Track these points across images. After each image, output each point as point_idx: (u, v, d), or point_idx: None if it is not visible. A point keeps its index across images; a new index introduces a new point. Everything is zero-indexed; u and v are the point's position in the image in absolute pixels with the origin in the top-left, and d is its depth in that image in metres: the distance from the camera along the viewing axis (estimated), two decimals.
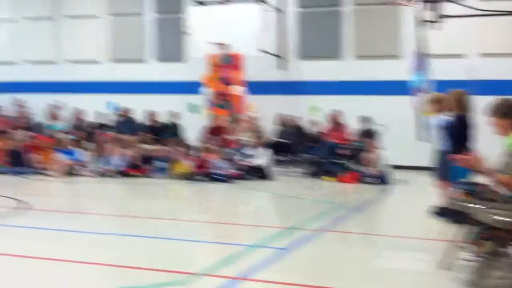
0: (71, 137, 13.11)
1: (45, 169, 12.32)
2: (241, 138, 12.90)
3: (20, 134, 13.70)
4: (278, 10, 14.87)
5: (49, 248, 5.15)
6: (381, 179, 10.93)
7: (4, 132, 13.96)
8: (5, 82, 17.11)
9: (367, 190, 10.08)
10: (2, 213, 7.03)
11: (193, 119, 14.56)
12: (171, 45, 15.97)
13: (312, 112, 14.20)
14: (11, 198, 8.46)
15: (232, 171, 11.53)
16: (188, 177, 11.48)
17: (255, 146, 12.30)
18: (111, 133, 13.87)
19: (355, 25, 14.73)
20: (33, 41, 17.22)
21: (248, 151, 12.23)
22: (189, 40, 14.56)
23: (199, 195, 10.08)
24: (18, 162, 12.50)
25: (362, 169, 11.31)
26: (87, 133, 14.17)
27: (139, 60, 16.43)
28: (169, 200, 9.53)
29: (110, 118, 15.23)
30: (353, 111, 13.03)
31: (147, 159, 12.35)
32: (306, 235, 5.89)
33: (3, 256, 4.72)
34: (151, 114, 14.56)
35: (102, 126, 14.99)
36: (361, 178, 11.10)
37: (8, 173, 12.17)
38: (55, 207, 7.85)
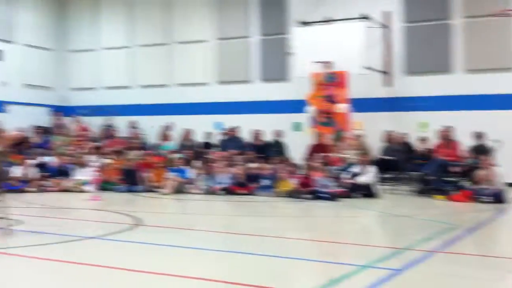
0: (181, 156, 13.58)
1: (156, 186, 12.85)
2: (346, 155, 12.70)
3: (133, 154, 14.41)
4: (383, 26, 14.61)
5: (158, 262, 5.30)
6: (496, 198, 10.28)
7: (119, 152, 14.74)
8: (121, 105, 18.16)
9: (482, 209, 9.51)
10: (116, 229, 7.36)
11: (297, 137, 14.59)
12: (275, 65, 16.20)
13: (421, 129, 13.73)
14: (125, 214, 8.88)
15: (337, 189, 11.36)
16: (293, 195, 11.47)
17: (360, 163, 12.05)
18: (218, 152, 14.22)
19: (464, 38, 14.16)
20: (146, 66, 18.18)
21: (353, 169, 12.01)
22: (293, 60, 14.67)
23: (303, 213, 10.01)
24: (131, 180, 13.14)
25: (476, 187, 10.71)
26: (195, 152, 14.63)
27: (244, 81, 16.79)
28: (274, 217, 9.53)
29: (217, 137, 15.63)
30: (464, 126, 12.45)
31: (252, 177, 12.49)
32: (419, 256, 5.62)
33: (116, 269, 4.92)
34: (256, 133, 14.77)
35: (209, 146, 15.43)
36: (474, 197, 10.50)
37: (122, 191, 12.83)
38: (165, 223, 8.12)
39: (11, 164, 12.78)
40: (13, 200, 9.89)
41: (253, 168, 12.72)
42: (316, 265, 5.45)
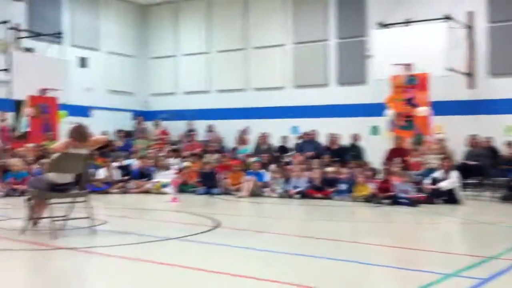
0: (257, 159, 13.65)
1: (233, 189, 12.99)
2: (426, 160, 12.32)
3: (211, 157, 14.64)
4: (467, 27, 14.07)
5: (235, 264, 5.33)
6: None
7: (197, 155, 15.03)
8: (199, 109, 18.52)
9: None
10: (195, 230, 7.48)
11: (375, 141, 14.31)
12: (353, 68, 15.99)
13: (507, 133, 13.10)
14: (203, 216, 9.02)
15: (417, 195, 11.02)
16: (370, 199, 11.25)
17: (442, 168, 11.63)
18: (295, 156, 14.19)
19: None
20: (223, 71, 18.45)
21: (435, 174, 11.61)
22: (371, 62, 14.41)
23: (381, 218, 9.77)
24: (209, 183, 13.35)
25: None
26: (271, 156, 14.67)
27: (321, 85, 16.67)
28: (350, 222, 9.37)
29: (293, 141, 15.61)
30: None
31: (329, 181, 12.36)
32: (506, 265, 5.33)
33: (194, 270, 4.98)
34: (333, 137, 14.62)
35: (285, 149, 15.43)
36: None
37: (200, 193, 13.07)
38: (242, 226, 8.17)
39: (96, 166, 13.33)
40: (97, 201, 10.30)
41: (330, 172, 12.59)
42: (394, 272, 5.28)
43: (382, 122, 14.31)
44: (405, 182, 11.25)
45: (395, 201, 10.89)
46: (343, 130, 14.80)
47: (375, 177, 12.22)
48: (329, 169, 12.74)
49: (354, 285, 4.72)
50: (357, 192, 11.70)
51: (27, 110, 14.86)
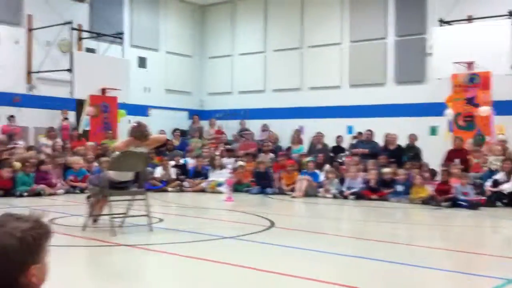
0: (312, 159, 13.57)
1: (288, 189, 12.96)
2: (487, 161, 11.92)
3: (265, 157, 14.66)
4: None
5: (289, 264, 5.31)
6: None
7: (251, 154, 15.08)
8: (254, 108, 18.59)
9: None
10: (249, 230, 7.51)
11: (434, 142, 13.97)
12: (412, 67, 15.67)
13: None
14: (257, 215, 9.04)
15: (477, 197, 10.68)
16: (428, 202, 10.98)
17: (503, 170, 11.22)
18: (352, 156, 14.03)
19: None
20: (279, 71, 18.45)
21: (496, 176, 11.22)
22: (431, 60, 14.08)
23: (439, 221, 9.52)
24: (263, 183, 13.37)
25: None
26: (326, 156, 14.55)
27: (378, 84, 16.42)
28: (406, 224, 9.18)
29: (349, 141, 15.43)
30: None
31: (386, 182, 12.15)
32: None
33: (248, 269, 5.00)
34: (390, 137, 14.35)
35: (340, 149, 15.27)
36: None
37: (254, 193, 13.11)
38: (296, 226, 8.14)
39: (153, 165, 13.59)
40: (154, 199, 10.51)
41: (386, 173, 12.37)
42: (452, 276, 5.14)
43: (441, 122, 13.95)
44: (465, 184, 10.92)
45: (454, 203, 10.59)
46: (400, 130, 14.49)
47: (433, 178, 11.92)
48: (386, 170, 12.52)
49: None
50: (414, 194, 11.44)
51: (88, 109, 15.31)
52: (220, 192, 12.96)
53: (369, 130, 14.80)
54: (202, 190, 13.60)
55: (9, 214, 1.66)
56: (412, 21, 15.79)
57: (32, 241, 1.62)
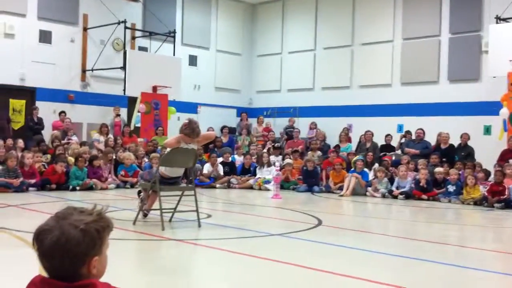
0: (361, 158, 13.42)
1: (335, 188, 12.88)
2: None
3: (313, 155, 14.59)
4: None
5: (336, 263, 5.28)
6: None
7: (299, 152, 15.05)
8: (302, 107, 18.55)
9: None
10: (296, 227, 7.51)
11: (488, 142, 13.59)
12: (466, 65, 15.30)
13: None
14: (304, 213, 9.03)
15: None
16: (481, 203, 10.70)
17: None
18: (401, 155, 13.82)
19: None
20: (328, 68, 18.34)
21: None
22: (487, 58, 13.71)
23: (492, 222, 9.25)
24: (310, 181, 13.33)
25: None
26: (376, 154, 14.37)
27: (430, 82, 16.10)
28: (457, 225, 8.96)
29: (400, 140, 15.20)
30: None
31: (437, 182, 11.91)
32: None
33: (297, 267, 5.00)
34: (443, 136, 14.04)
35: (391, 148, 15.05)
36: None
37: (301, 191, 13.09)
38: (343, 225, 8.08)
39: (201, 161, 13.75)
40: (202, 195, 10.64)
41: (437, 172, 12.12)
42: (503, 278, 4.99)
43: (496, 121, 13.56)
44: None
45: (508, 205, 10.28)
46: (452, 129, 14.17)
47: (487, 179, 11.61)
48: (438, 169, 12.26)
49: None
50: (466, 195, 11.17)
51: (139, 106, 15.62)
52: (267, 190, 13.01)
53: (421, 129, 14.52)
54: (250, 187, 13.67)
55: (73, 207, 1.73)
56: (467, 18, 15.39)
57: (95, 233, 1.68)
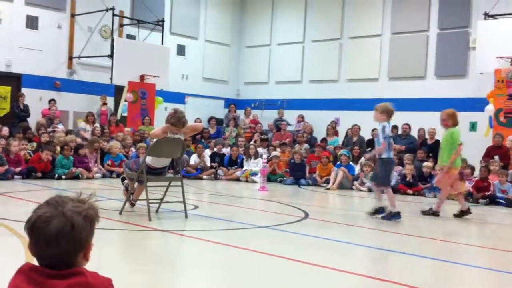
0: (347, 152, 13.47)
1: (322, 181, 12.91)
2: None
3: (300, 147, 14.61)
4: None
5: (322, 255, 5.31)
6: None
7: (286, 145, 15.06)
8: (290, 99, 18.54)
9: None
10: (282, 220, 7.53)
11: (473, 138, 13.69)
12: (453, 61, 15.37)
13: None
14: (290, 206, 9.05)
15: None
16: (466, 198, 10.77)
17: None
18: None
19: None
20: (316, 61, 18.33)
21: None
22: (474, 55, 13.78)
23: (477, 218, 9.34)
24: (297, 174, 13.35)
25: None
26: (362, 148, 14.42)
27: (417, 77, 16.16)
28: (441, 220, 9.03)
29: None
30: None
31: (423, 176, 11.99)
32: None
33: (284, 259, 5.01)
34: (429, 132, 14.13)
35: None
36: None
37: (288, 183, 13.11)
38: (330, 218, 8.11)
39: (188, 152, 13.71)
40: (188, 186, 10.62)
41: (426, 167, 12.19)
42: (484, 273, 5.04)
43: (482, 118, 13.66)
44: (504, 182, 10.70)
45: (493, 201, 10.39)
46: (439, 124, 14.21)
47: (472, 175, 11.70)
48: (426, 163, 12.34)
49: (438, 283, 4.55)
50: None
51: (126, 95, 15.52)
52: (254, 182, 13.02)
53: (407, 124, 14.59)
54: (237, 179, 13.67)
55: (61, 195, 1.73)
56: (456, 14, 15.46)
57: (94, 220, 1.72)
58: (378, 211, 8.08)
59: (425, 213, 8.63)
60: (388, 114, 8.02)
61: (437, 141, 13.88)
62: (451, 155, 8.33)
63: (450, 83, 15.45)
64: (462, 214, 8.53)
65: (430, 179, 11.91)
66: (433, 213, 8.57)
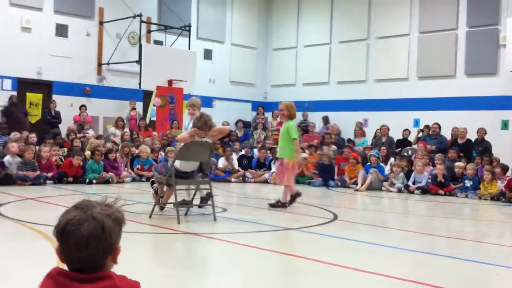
0: (376, 153, 13.35)
1: (351, 182, 12.82)
2: None
3: (328, 149, 14.54)
4: None
5: (351, 257, 5.26)
6: None
7: (314, 146, 15.00)
8: (317, 101, 18.47)
9: None
10: (311, 222, 7.49)
11: (506, 136, 13.45)
12: (483, 59, 15.12)
13: None
14: (319, 208, 9.00)
15: None
16: (498, 198, 10.59)
17: None
18: (417, 150, 13.72)
19: None
20: (344, 62, 18.23)
21: None
22: (505, 52, 13.54)
23: (509, 218, 9.17)
24: (326, 175, 13.28)
25: None
26: (391, 149, 14.28)
27: (447, 76, 15.95)
28: (474, 221, 8.89)
29: (416, 134, 15.10)
30: None
31: (453, 177, 11.81)
32: None
33: (314, 261, 4.99)
34: (460, 131, 13.92)
35: (407, 143, 14.95)
36: None
37: (316, 185, 13.05)
38: (359, 220, 8.04)
39: (217, 155, 13.76)
40: (217, 189, 10.65)
41: (458, 167, 12.00)
42: None
43: None
44: None
45: None
46: (469, 124, 14.04)
47: (504, 174, 11.49)
48: (458, 164, 12.15)
49: (473, 285, 4.46)
50: (483, 190, 11.07)
51: (155, 100, 15.66)
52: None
53: (437, 124, 14.41)
54: (265, 181, 13.66)
55: (88, 199, 1.75)
56: (485, 12, 15.20)
57: (122, 223, 1.74)
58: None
59: (273, 205, 8.75)
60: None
61: (468, 140, 13.69)
62: (291, 149, 8.53)
63: (481, 81, 15.19)
64: (278, 205, 8.69)
65: (462, 179, 11.72)
66: (282, 204, 8.70)
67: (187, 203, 7.54)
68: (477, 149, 13.40)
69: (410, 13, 16.80)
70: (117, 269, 1.75)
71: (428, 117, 15.38)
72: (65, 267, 1.70)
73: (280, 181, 8.95)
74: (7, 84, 14.85)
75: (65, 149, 13.00)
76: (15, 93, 14.75)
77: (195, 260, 5.24)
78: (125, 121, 15.64)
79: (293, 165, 8.71)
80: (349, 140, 15.73)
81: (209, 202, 7.33)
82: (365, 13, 17.83)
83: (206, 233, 6.40)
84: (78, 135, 14.03)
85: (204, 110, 9.63)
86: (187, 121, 7.91)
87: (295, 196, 8.78)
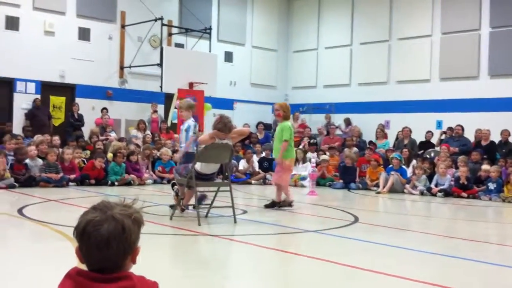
0: (398, 155, 13.22)
1: (372, 185, 12.73)
2: None
3: (350, 151, 14.45)
4: None
5: (372, 260, 5.22)
6: None
7: (335, 148, 14.93)
8: (338, 103, 18.39)
9: None
10: (332, 224, 7.45)
11: None
12: (508, 59, 14.92)
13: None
14: (340, 210, 8.96)
15: None
16: None
17: None
18: (441, 152, 13.57)
19: None
20: (365, 64, 18.13)
21: None
22: None
23: None
24: (347, 177, 13.21)
25: None
26: (414, 151, 14.15)
27: (470, 77, 15.76)
28: (498, 224, 8.75)
29: (438, 136, 14.94)
30: None
31: (477, 179, 11.65)
32: None
33: (333, 264, 4.96)
34: (483, 133, 13.73)
35: (429, 145, 14.80)
36: None
37: (337, 187, 12.99)
38: (380, 222, 7.98)
39: (237, 157, 13.78)
40: (237, 191, 10.66)
41: (484, 170, 11.83)
42: None
43: None
44: None
45: None
46: (493, 125, 13.84)
47: None
48: (484, 166, 11.98)
49: None
50: (507, 192, 10.90)
51: (176, 103, 15.73)
52: (303, 186, 12.95)
53: (460, 125, 14.23)
54: None
55: (107, 200, 1.76)
56: (508, 12, 15.00)
57: (141, 224, 1.75)
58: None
59: (267, 206, 8.79)
60: (192, 109, 8.15)
61: (492, 142, 13.50)
62: (280, 149, 8.58)
63: (504, 83, 14.98)
64: (273, 205, 8.75)
65: (483, 181, 11.56)
66: (274, 204, 8.76)
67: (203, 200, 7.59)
68: (500, 151, 13.20)
69: (432, 13, 16.65)
70: (138, 269, 1.76)
71: (451, 119, 15.21)
72: (84, 267, 1.71)
73: (274, 180, 9.01)
74: (31, 87, 15.07)
75: (88, 152, 13.14)
76: (38, 96, 14.98)
77: (215, 262, 5.25)
78: (147, 124, 15.75)
79: (288, 165, 8.70)
80: (371, 142, 15.63)
81: (203, 203, 7.40)
82: (386, 14, 17.71)
83: (226, 235, 6.41)
84: (101, 138, 14.18)
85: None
86: (186, 123, 7.95)
87: (283, 204, 8.75)
